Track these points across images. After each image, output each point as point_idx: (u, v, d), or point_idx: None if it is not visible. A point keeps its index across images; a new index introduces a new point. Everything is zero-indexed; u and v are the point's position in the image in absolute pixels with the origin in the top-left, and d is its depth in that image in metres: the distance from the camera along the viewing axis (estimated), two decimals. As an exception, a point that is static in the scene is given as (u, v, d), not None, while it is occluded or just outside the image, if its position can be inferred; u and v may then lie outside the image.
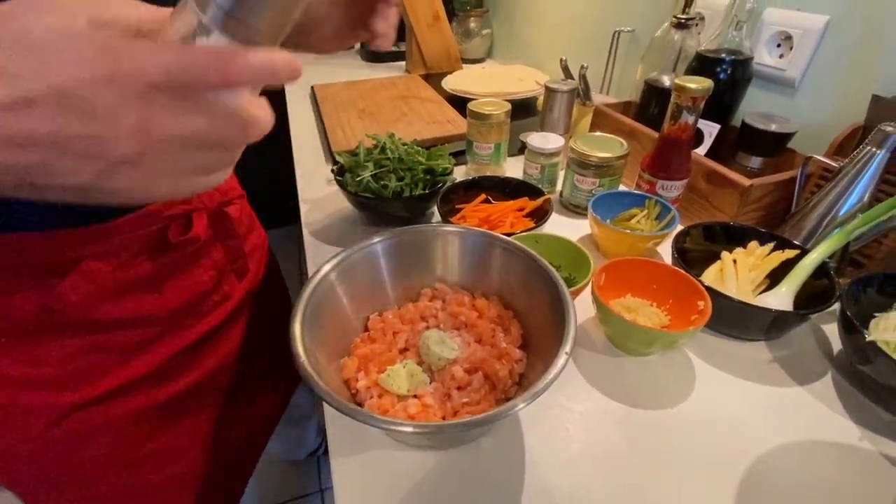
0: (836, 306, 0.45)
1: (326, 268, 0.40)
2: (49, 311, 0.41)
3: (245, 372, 0.62)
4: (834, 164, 0.54)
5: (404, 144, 0.67)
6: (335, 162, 0.67)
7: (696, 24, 0.71)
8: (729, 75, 0.65)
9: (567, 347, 0.34)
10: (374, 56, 1.45)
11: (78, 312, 0.42)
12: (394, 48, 1.44)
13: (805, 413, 0.42)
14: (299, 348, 0.34)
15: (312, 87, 1.14)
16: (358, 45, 1.58)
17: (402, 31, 1.34)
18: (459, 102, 0.99)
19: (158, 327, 0.49)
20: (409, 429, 0.30)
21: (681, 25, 0.68)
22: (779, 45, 0.66)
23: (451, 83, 1.11)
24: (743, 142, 0.66)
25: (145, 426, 0.50)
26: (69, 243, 0.40)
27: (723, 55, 0.65)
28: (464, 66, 1.35)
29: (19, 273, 0.39)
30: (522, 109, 0.99)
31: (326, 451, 1.30)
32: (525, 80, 1.11)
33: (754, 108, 0.68)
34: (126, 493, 0.52)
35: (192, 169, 0.22)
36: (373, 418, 0.30)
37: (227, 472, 0.64)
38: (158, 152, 0.20)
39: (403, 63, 1.39)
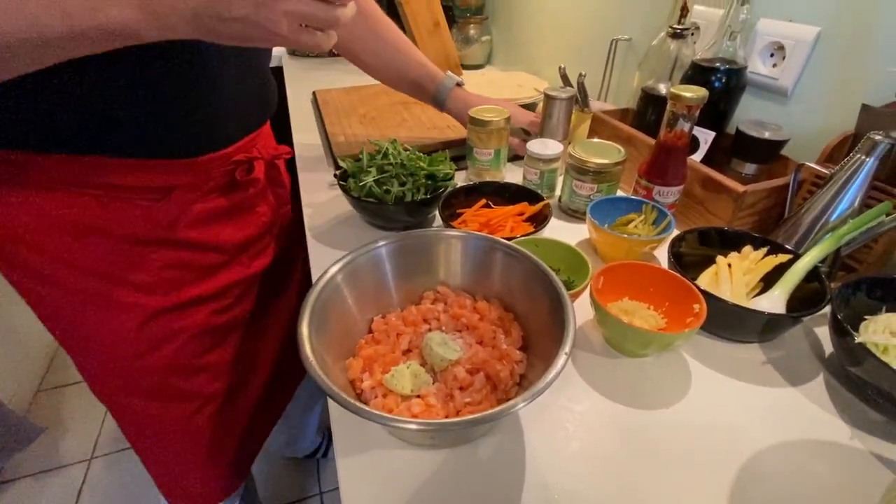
0: (827, 309, 0.46)
1: (333, 269, 0.42)
2: (151, 226, 0.53)
3: (277, 320, 0.75)
4: (825, 171, 0.55)
5: (406, 150, 0.68)
6: (337, 166, 0.68)
7: (692, 34, 0.73)
8: (723, 84, 0.67)
9: (566, 348, 0.35)
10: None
11: (170, 231, 0.55)
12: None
13: (798, 413, 0.44)
14: (307, 348, 0.35)
15: (314, 93, 1.15)
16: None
17: (403, 38, 1.36)
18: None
19: (225, 255, 0.61)
20: (414, 426, 0.31)
21: (676, 35, 0.70)
22: (772, 55, 0.68)
23: (452, 89, 1.13)
24: (738, 149, 0.68)
25: (206, 340, 0.62)
26: (165, 172, 0.52)
27: (717, 64, 0.66)
28: (464, 71, 1.36)
29: (131, 191, 0.51)
30: (521, 115, 1.01)
31: (326, 454, 1.31)
32: (524, 87, 1.13)
33: (749, 115, 0.70)
34: (177, 399, 0.62)
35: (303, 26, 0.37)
36: (380, 416, 0.31)
37: (257, 409, 0.75)
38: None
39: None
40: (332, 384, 0.33)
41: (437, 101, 0.78)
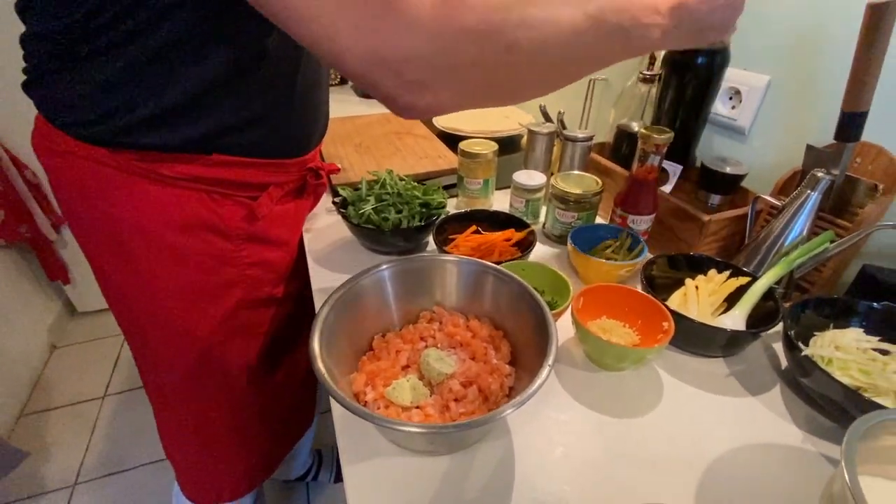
0: (781, 326, 0.52)
1: (342, 290, 0.46)
2: (250, 220, 0.59)
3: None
4: (778, 203, 0.62)
5: (402, 180, 0.74)
6: (335, 193, 0.73)
7: (660, 79, 0.81)
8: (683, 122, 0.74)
9: (550, 360, 0.40)
10: (367, 93, 1.54)
11: (260, 228, 0.61)
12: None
13: (757, 420, 0.49)
14: (319, 364, 0.39)
15: (311, 122, 1.21)
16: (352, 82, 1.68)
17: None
18: (449, 138, 1.08)
19: (293, 255, 0.69)
20: (415, 429, 0.35)
21: (646, 80, 0.77)
22: (731, 98, 0.75)
23: (442, 121, 1.20)
24: (703, 182, 0.75)
25: (272, 337, 0.68)
26: (264, 171, 0.58)
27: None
28: (453, 103, 1.44)
29: (237, 188, 0.57)
30: (508, 145, 1.08)
31: (317, 477, 1.31)
32: (510, 118, 1.20)
33: (713, 152, 0.78)
34: (232, 388, 0.67)
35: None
36: (388, 420, 0.35)
37: (293, 409, 0.83)
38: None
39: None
40: (343, 394, 0.37)
41: None
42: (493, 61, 0.35)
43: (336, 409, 0.48)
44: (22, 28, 0.46)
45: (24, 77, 0.49)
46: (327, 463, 1.33)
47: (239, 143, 0.54)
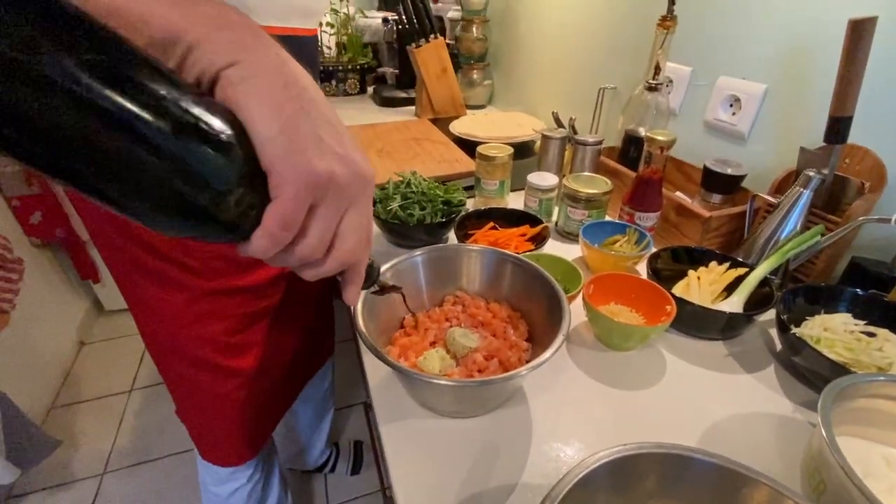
0: (775, 311, 0.57)
1: (383, 268, 0.52)
2: None
3: (300, 313, 0.84)
4: (774, 201, 0.67)
5: (425, 180, 0.80)
6: (365, 194, 0.80)
7: (666, 86, 0.87)
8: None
9: (563, 331, 0.45)
10: (386, 102, 1.62)
11: None
12: (404, 95, 1.61)
13: (752, 394, 0.53)
14: (361, 325, 0.45)
15: (334, 129, 1.28)
16: (371, 91, 1.76)
17: (413, 80, 1.51)
18: (465, 144, 1.14)
19: None
20: (447, 382, 0.41)
21: (651, 89, 0.83)
22: (731, 105, 0.81)
23: (458, 127, 1.26)
24: (706, 182, 0.80)
25: (241, 323, 0.71)
26: None
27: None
28: (467, 111, 1.51)
29: None
30: (522, 150, 1.14)
31: (334, 469, 1.36)
32: (523, 126, 1.27)
33: (715, 154, 0.83)
34: (212, 369, 0.72)
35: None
36: (425, 376, 0.41)
37: (278, 388, 0.85)
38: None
39: (413, 108, 1.55)
40: (383, 351, 0.42)
41: None
42: None
43: (372, 375, 0.54)
44: None
45: None
46: (344, 455, 1.38)
47: None
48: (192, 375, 0.73)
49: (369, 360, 0.57)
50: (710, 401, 0.52)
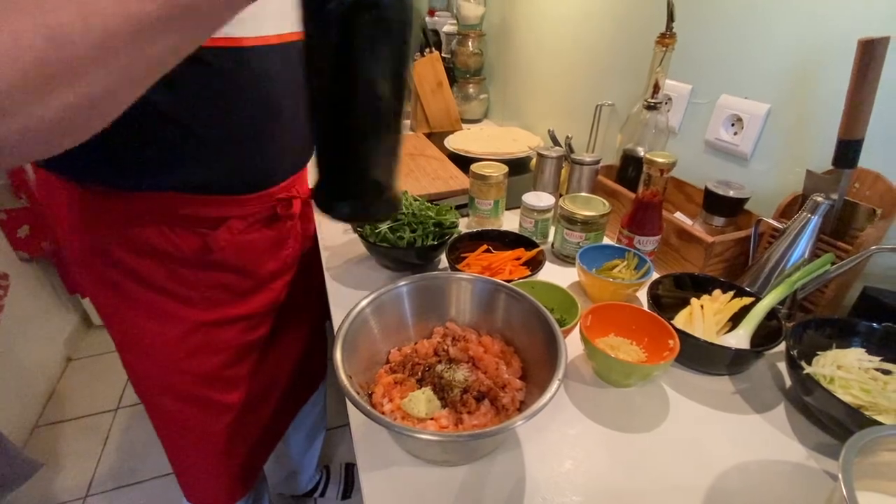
0: (784, 345, 0.53)
1: (363, 303, 0.49)
2: (206, 251, 0.63)
3: (291, 344, 0.85)
4: (779, 226, 0.64)
5: (416, 200, 0.77)
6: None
7: (665, 104, 0.84)
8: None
9: (559, 375, 0.42)
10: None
11: (221, 255, 0.64)
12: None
13: (761, 437, 0.50)
14: (342, 373, 0.41)
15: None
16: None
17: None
18: (460, 159, 1.11)
19: (259, 281, 0.71)
20: (433, 437, 0.37)
21: (650, 107, 0.81)
22: (733, 125, 0.78)
23: (453, 143, 1.24)
24: (707, 204, 0.77)
25: (234, 355, 0.70)
26: (220, 206, 0.62)
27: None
28: (463, 125, 1.48)
29: (188, 222, 0.61)
30: (518, 167, 1.11)
31: (324, 492, 1.31)
32: (519, 141, 1.24)
33: (716, 175, 0.80)
34: (201, 404, 0.70)
35: None
36: (409, 429, 0.37)
37: (267, 423, 0.83)
38: None
39: (408, 122, 1.52)
40: (365, 404, 0.39)
41: None
42: None
43: (354, 419, 0.50)
44: None
45: None
46: (335, 479, 1.33)
47: (193, 182, 0.58)
48: (183, 413, 0.70)
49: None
50: (718, 445, 0.49)
